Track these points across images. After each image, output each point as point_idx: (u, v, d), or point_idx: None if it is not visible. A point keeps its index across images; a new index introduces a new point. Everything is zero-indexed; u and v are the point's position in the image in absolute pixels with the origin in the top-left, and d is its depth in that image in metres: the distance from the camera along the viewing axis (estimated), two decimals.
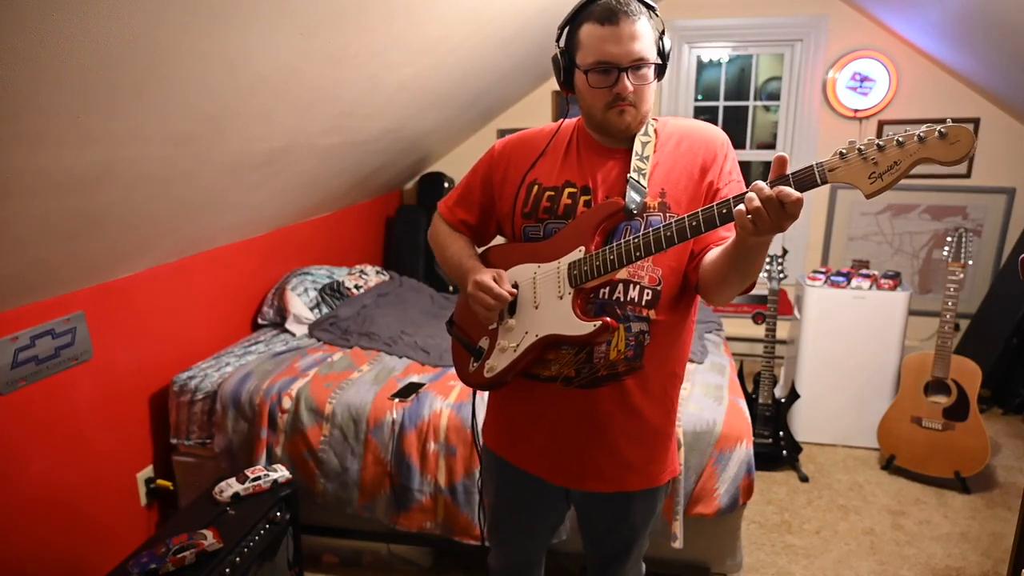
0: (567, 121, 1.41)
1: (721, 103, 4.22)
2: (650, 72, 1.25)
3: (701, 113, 4.26)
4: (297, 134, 2.25)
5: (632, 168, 1.28)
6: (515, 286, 1.34)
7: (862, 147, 1.02)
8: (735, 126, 4.24)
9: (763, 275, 3.06)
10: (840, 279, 3.19)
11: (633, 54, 1.21)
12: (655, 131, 1.34)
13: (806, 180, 1.04)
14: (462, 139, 4.37)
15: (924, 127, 0.99)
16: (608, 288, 1.28)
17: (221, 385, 2.44)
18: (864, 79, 3.79)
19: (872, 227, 4.03)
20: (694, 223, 1.12)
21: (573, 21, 1.26)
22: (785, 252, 3.10)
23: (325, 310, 3.15)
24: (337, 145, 2.65)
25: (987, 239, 3.90)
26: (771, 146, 4.23)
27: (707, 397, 2.30)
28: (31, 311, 1.95)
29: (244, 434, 2.39)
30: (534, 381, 1.35)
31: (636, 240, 1.18)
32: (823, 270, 3.27)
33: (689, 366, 2.56)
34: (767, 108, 4.38)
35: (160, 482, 2.47)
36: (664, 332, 1.31)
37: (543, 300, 1.30)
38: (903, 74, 3.76)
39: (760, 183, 1.04)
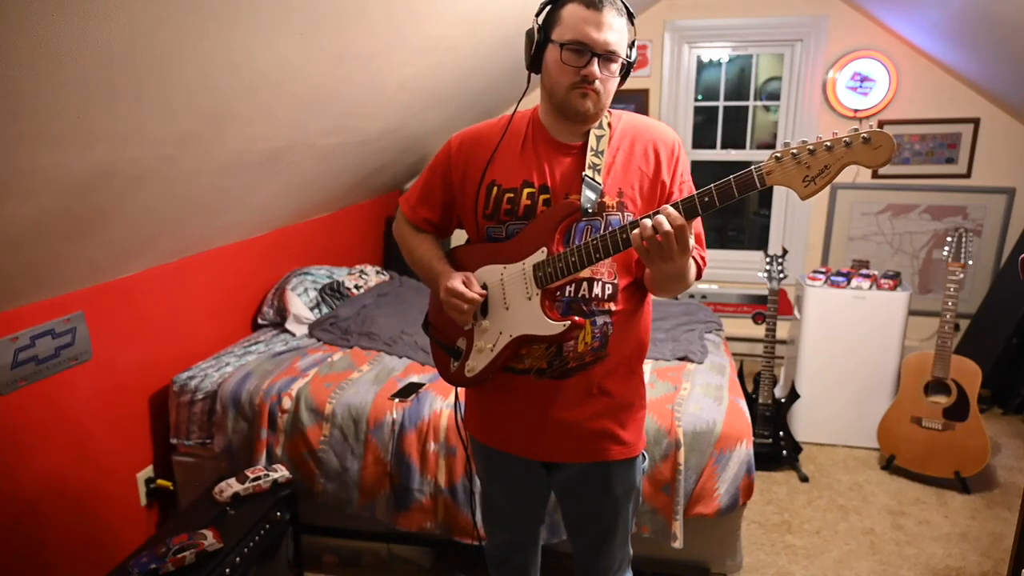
0: (520, 112, 1.43)
1: (721, 103, 4.22)
2: (617, 68, 1.30)
3: (701, 113, 4.26)
4: (297, 134, 2.25)
5: (587, 165, 1.33)
6: (484, 287, 1.39)
7: (796, 151, 1.09)
8: (735, 126, 4.24)
9: (763, 275, 3.07)
10: (840, 279, 3.19)
11: (609, 44, 1.26)
12: (608, 124, 1.39)
13: (746, 183, 1.12)
14: None
15: (850, 132, 1.07)
16: (573, 286, 1.35)
17: (221, 385, 2.44)
18: (864, 79, 3.79)
19: (872, 227, 4.03)
20: (624, 236, 1.21)
21: (557, 1, 1.30)
22: (785, 252, 3.10)
23: (325, 310, 3.15)
24: (337, 145, 2.65)
25: (987, 239, 3.90)
26: (771, 146, 4.23)
27: (707, 397, 2.30)
28: (31, 311, 1.95)
29: (244, 434, 2.39)
30: (509, 374, 1.42)
31: (595, 242, 1.25)
32: (823, 270, 3.27)
33: (689, 366, 2.56)
34: (767, 108, 4.38)
35: (160, 482, 2.47)
36: (625, 320, 1.40)
37: (512, 301, 1.36)
38: (903, 74, 3.76)
39: (663, 210, 1.15)
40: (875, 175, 3.93)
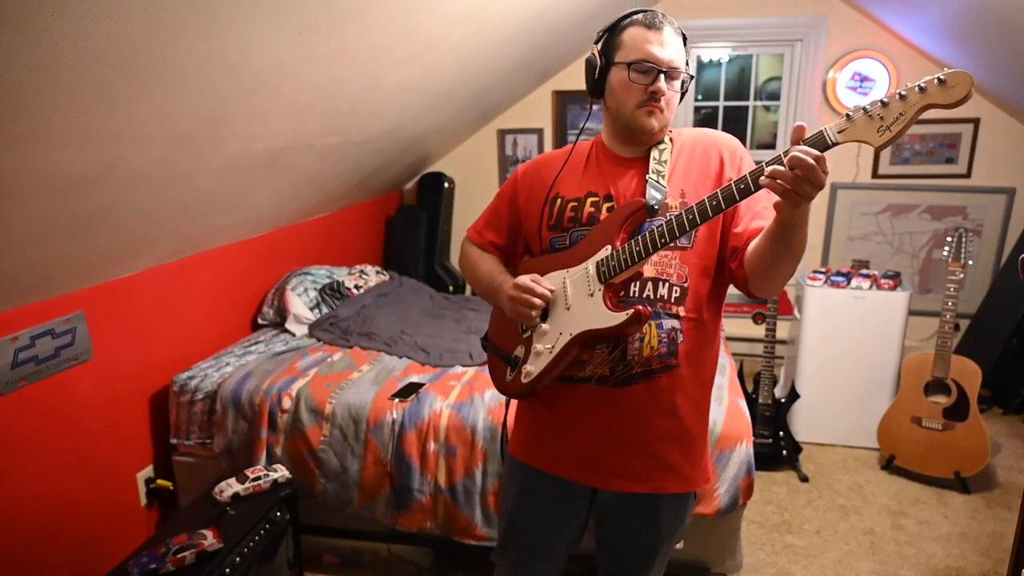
0: (582, 142, 1.47)
1: (721, 103, 4.22)
2: (679, 85, 1.33)
3: (701, 113, 4.26)
4: (297, 134, 2.25)
5: (651, 171, 1.33)
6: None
7: (867, 107, 1.05)
8: (735, 126, 4.24)
9: None
10: (840, 279, 3.19)
11: (673, 61, 1.30)
12: (670, 139, 1.40)
13: (817, 143, 1.07)
14: (462, 139, 4.37)
15: (924, 79, 1.03)
16: (638, 286, 1.30)
17: (221, 385, 2.44)
18: (864, 79, 3.79)
19: (872, 227, 4.03)
20: (714, 202, 1.15)
21: (615, 27, 1.34)
22: None
23: (325, 310, 3.15)
24: (337, 145, 2.65)
25: (987, 239, 3.90)
26: (771, 146, 4.23)
27: None
28: (31, 311, 1.95)
29: (244, 434, 2.39)
30: (569, 383, 1.35)
31: (660, 227, 1.21)
32: (823, 270, 3.27)
33: None
34: (767, 108, 4.38)
35: (160, 482, 2.47)
36: (695, 330, 1.33)
37: (574, 301, 1.32)
38: (903, 74, 3.76)
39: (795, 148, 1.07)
40: (882, 165, 3.93)
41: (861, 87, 3.79)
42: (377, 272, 3.64)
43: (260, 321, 3.07)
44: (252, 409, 2.38)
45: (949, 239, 2.82)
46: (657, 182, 1.31)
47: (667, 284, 1.30)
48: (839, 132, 1.07)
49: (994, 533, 2.61)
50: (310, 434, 2.33)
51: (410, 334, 2.93)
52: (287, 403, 2.36)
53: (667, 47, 1.29)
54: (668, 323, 1.30)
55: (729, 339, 3.27)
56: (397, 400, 2.32)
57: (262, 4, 1.44)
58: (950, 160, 3.85)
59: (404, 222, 4.28)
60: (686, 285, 1.31)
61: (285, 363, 2.59)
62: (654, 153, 1.36)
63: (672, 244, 1.25)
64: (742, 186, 1.12)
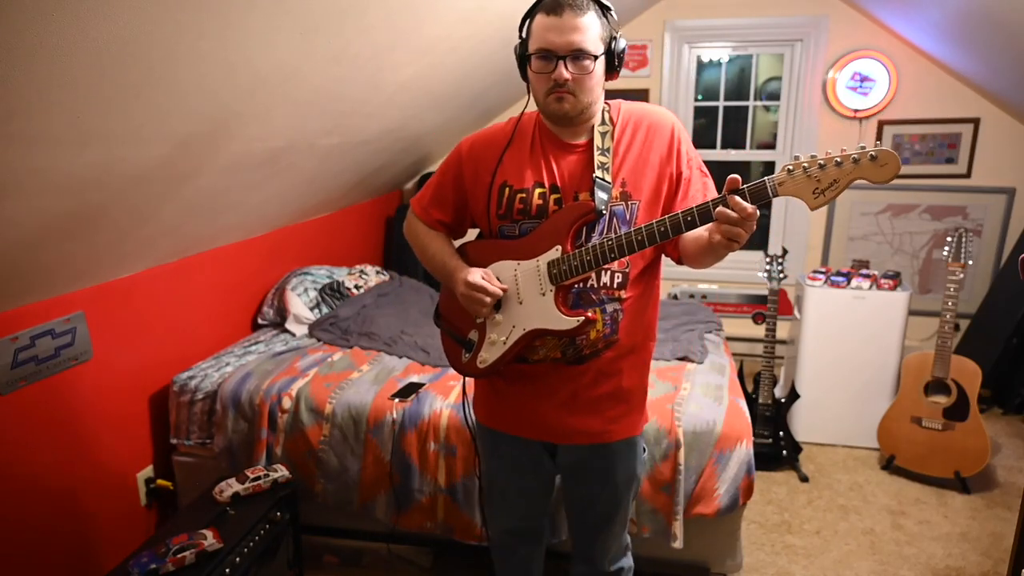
0: (528, 113, 1.49)
1: (721, 103, 4.22)
2: (592, 64, 1.33)
3: (701, 113, 4.25)
4: (297, 134, 2.25)
5: (596, 166, 1.39)
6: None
7: (806, 165, 1.16)
8: (735, 126, 4.23)
9: (763, 275, 3.07)
10: (840, 279, 3.19)
11: (572, 44, 1.30)
12: (610, 118, 1.44)
13: (759, 193, 1.19)
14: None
15: (858, 149, 1.13)
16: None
17: (221, 385, 2.44)
18: (864, 79, 3.78)
19: (872, 227, 4.03)
20: (662, 229, 1.27)
21: (530, 12, 1.37)
22: (785, 252, 3.10)
23: (325, 310, 3.15)
24: (337, 145, 2.65)
25: (987, 239, 3.90)
26: (771, 146, 4.23)
27: (707, 397, 2.30)
28: (31, 311, 1.95)
29: (244, 434, 2.39)
30: (523, 364, 1.48)
31: (611, 243, 1.32)
32: (823, 270, 3.27)
33: (689, 366, 2.56)
34: (767, 108, 4.38)
35: (160, 482, 2.47)
36: (634, 305, 1.46)
37: (526, 296, 1.42)
38: (903, 74, 3.76)
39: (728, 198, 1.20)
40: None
41: (861, 87, 3.79)
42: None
43: (260, 321, 3.07)
44: (252, 409, 2.38)
45: (949, 239, 2.82)
46: (603, 179, 1.38)
47: (609, 272, 1.41)
48: (779, 185, 1.18)
49: (994, 533, 2.61)
50: (310, 434, 2.33)
51: (410, 334, 2.93)
52: (287, 403, 2.36)
53: (566, 32, 1.29)
54: (611, 307, 1.42)
55: (729, 339, 3.26)
56: (397, 400, 2.32)
57: (263, 4, 1.44)
58: (950, 160, 3.85)
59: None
60: (627, 271, 1.42)
61: (285, 363, 2.59)
62: (597, 140, 1.40)
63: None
64: (689, 219, 1.25)
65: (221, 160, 2.00)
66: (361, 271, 3.54)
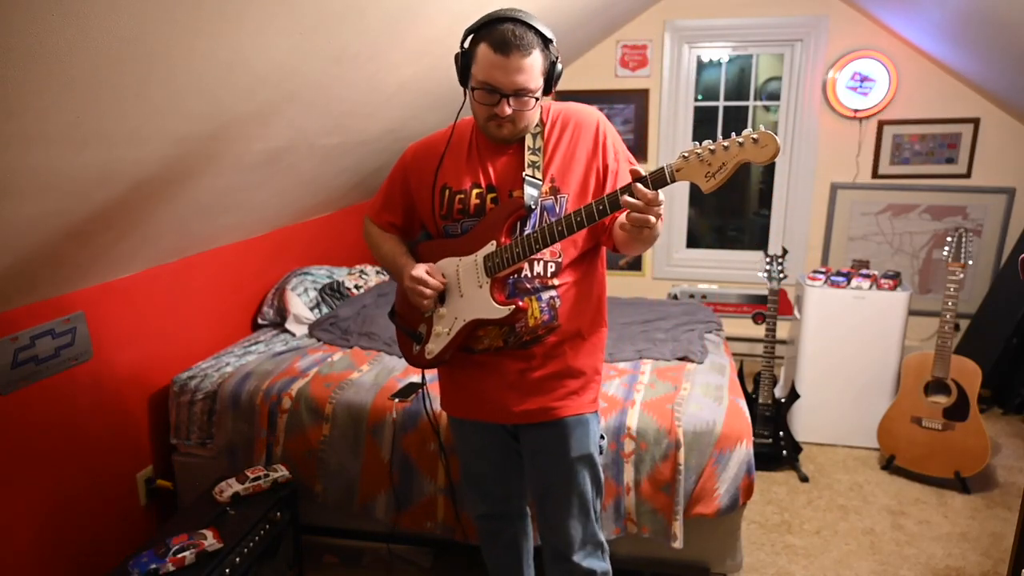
0: (465, 120, 1.59)
1: (721, 103, 4.22)
2: (531, 99, 1.42)
3: (701, 113, 4.25)
4: (297, 134, 2.25)
5: (526, 164, 1.48)
6: (443, 276, 1.56)
7: (699, 151, 1.24)
8: (735, 126, 4.17)
9: (763, 275, 3.07)
10: (840, 279, 3.19)
11: (517, 84, 1.38)
12: (540, 119, 1.52)
13: (659, 179, 1.28)
14: None
15: (744, 133, 1.21)
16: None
17: (221, 385, 2.44)
18: (864, 79, 3.79)
19: (872, 227, 4.03)
20: (579, 219, 1.37)
21: (476, 34, 1.41)
22: (785, 252, 3.10)
23: (325, 310, 3.15)
24: (337, 145, 2.65)
25: (987, 239, 3.90)
26: None
27: (707, 397, 2.30)
28: (31, 311, 1.95)
29: (244, 434, 2.39)
30: (470, 353, 1.58)
31: (535, 234, 1.41)
32: (823, 270, 3.27)
33: (689, 366, 2.56)
34: (767, 108, 4.38)
35: (160, 482, 2.47)
36: (571, 290, 1.54)
37: (466, 289, 1.53)
38: (903, 74, 3.76)
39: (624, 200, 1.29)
40: (882, 165, 3.93)
41: (861, 87, 3.79)
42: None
43: (260, 321, 3.07)
44: (252, 409, 2.38)
45: (949, 239, 2.82)
46: (533, 176, 1.47)
47: (542, 262, 1.51)
48: (676, 171, 1.27)
49: (994, 533, 2.61)
50: (310, 434, 2.33)
51: None
52: (287, 403, 2.36)
53: (513, 72, 1.36)
54: (546, 295, 1.52)
55: (729, 339, 3.27)
56: (397, 400, 2.32)
57: (263, 4, 1.43)
58: (950, 160, 3.85)
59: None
60: (559, 260, 1.52)
61: (285, 363, 2.59)
62: (528, 140, 1.50)
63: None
64: (601, 207, 1.35)
65: (221, 160, 2.00)
66: (361, 271, 3.54)
